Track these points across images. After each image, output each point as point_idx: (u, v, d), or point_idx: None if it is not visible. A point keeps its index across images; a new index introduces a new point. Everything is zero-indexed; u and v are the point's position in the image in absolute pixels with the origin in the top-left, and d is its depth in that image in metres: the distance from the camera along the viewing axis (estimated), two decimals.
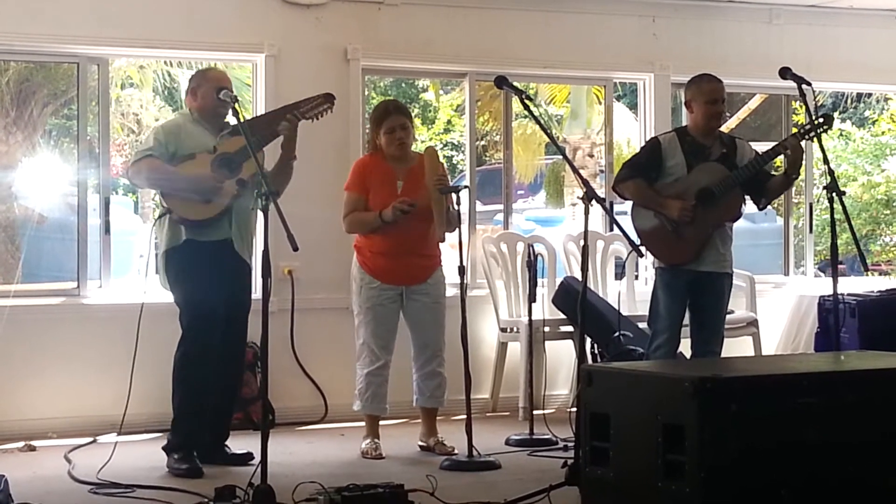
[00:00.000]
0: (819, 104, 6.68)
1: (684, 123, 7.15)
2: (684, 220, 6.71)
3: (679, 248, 6.78)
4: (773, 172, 6.93)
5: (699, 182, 6.74)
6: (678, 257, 6.80)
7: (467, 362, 6.51)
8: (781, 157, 6.80)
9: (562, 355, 8.42)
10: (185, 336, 6.36)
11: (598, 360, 8.02)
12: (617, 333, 7.48)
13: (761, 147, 6.89)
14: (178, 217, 6.27)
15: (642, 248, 6.61)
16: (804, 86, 6.45)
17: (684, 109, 7.06)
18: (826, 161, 6.39)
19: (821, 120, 6.53)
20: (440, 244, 6.95)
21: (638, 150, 7.65)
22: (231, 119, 6.37)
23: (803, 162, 6.84)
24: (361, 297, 6.86)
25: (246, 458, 6.33)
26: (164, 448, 6.36)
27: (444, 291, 6.95)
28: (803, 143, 6.69)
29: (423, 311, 6.86)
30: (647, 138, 8.10)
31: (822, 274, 10.86)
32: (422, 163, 6.81)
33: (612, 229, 8.72)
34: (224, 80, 6.56)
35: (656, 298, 6.90)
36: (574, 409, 5.76)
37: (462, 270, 6.53)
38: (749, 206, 7.11)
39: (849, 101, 17.40)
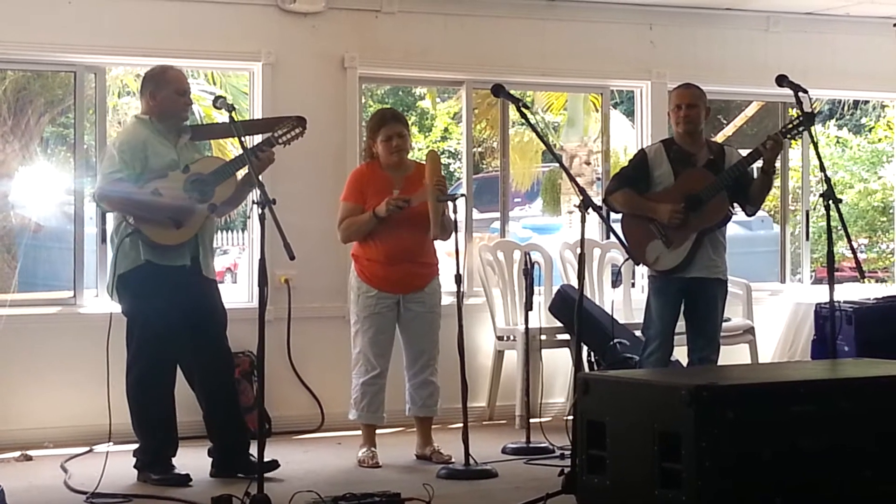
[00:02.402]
0: (815, 111, 6.67)
1: None
2: (674, 223, 6.75)
3: (669, 254, 6.80)
4: (754, 177, 6.95)
5: (686, 188, 6.77)
6: (669, 264, 6.82)
7: (464, 370, 6.51)
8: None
9: (558, 363, 8.42)
10: (137, 356, 6.26)
11: (595, 368, 8.01)
12: (613, 341, 7.48)
13: None
14: (148, 240, 6.15)
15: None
16: (801, 93, 6.46)
17: None
18: (822, 168, 6.40)
19: (801, 119, 6.55)
20: (436, 253, 6.96)
21: (627, 162, 7.66)
22: (215, 117, 6.31)
23: (776, 158, 6.85)
24: (359, 305, 6.85)
25: (272, 466, 6.19)
26: (136, 467, 6.32)
27: (440, 300, 6.94)
28: (799, 143, 6.72)
29: (418, 319, 6.85)
30: (644, 146, 8.12)
31: None
32: (419, 171, 6.81)
33: (608, 237, 8.73)
34: (183, 81, 6.45)
35: (649, 305, 6.96)
36: (571, 418, 5.76)
37: (459, 279, 6.52)
38: (742, 214, 7.13)
39: (845, 108, 17.45)
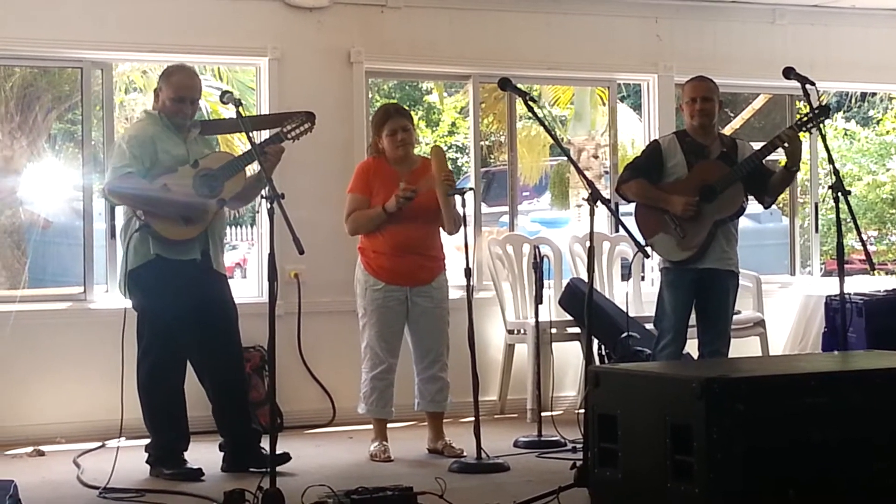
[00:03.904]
0: (823, 104, 6.66)
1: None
2: (688, 215, 6.75)
3: (683, 245, 6.80)
4: (774, 170, 6.94)
5: (700, 179, 6.77)
6: (682, 255, 6.82)
7: (475, 364, 6.51)
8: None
9: (569, 357, 8.42)
10: (147, 351, 6.29)
11: (606, 361, 8.02)
12: (624, 334, 7.48)
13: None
14: (157, 235, 6.16)
15: (648, 249, 6.64)
16: (808, 86, 6.46)
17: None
18: (831, 161, 6.38)
19: (817, 111, 6.55)
20: (443, 248, 6.96)
21: (640, 152, 7.67)
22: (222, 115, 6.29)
23: (802, 154, 6.86)
24: (366, 299, 6.85)
25: (283, 459, 6.17)
26: (148, 462, 6.34)
27: (447, 295, 6.94)
28: (807, 136, 6.71)
29: (425, 315, 6.85)
30: (651, 139, 8.12)
31: None
32: (425, 165, 6.81)
33: (617, 230, 8.73)
34: (182, 89, 6.35)
35: (661, 298, 6.94)
36: (582, 411, 5.76)
37: (468, 272, 6.52)
38: (754, 206, 7.13)
39: (853, 100, 17.41)
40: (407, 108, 7.43)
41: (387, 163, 6.86)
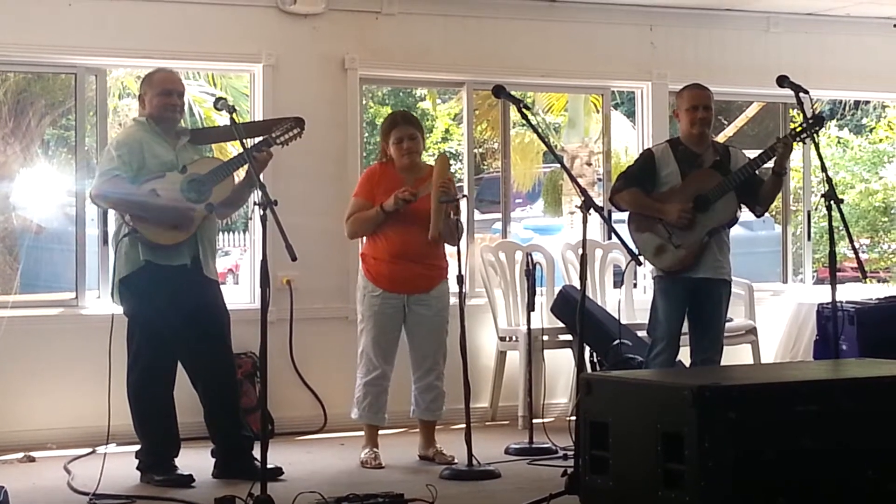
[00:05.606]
0: (815, 112, 6.69)
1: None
2: (683, 223, 6.75)
3: (676, 254, 6.81)
4: (764, 179, 6.96)
5: (694, 188, 6.78)
6: (676, 264, 6.82)
7: (466, 371, 6.51)
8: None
9: (561, 364, 8.42)
10: (137, 357, 6.29)
11: (597, 368, 8.02)
12: (616, 342, 7.48)
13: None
14: (145, 239, 6.15)
15: (641, 257, 6.64)
16: (801, 94, 6.48)
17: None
18: (824, 169, 6.40)
19: (811, 121, 6.56)
20: (446, 256, 6.95)
21: (633, 161, 7.67)
22: (218, 121, 6.29)
23: (789, 159, 6.87)
24: (364, 304, 6.84)
25: (275, 474, 6.13)
26: (138, 468, 6.33)
27: (447, 304, 6.91)
28: (801, 144, 6.73)
29: (423, 323, 6.84)
30: (645, 146, 8.13)
31: None
32: (431, 173, 6.80)
33: (610, 238, 8.73)
34: (167, 81, 6.40)
35: (655, 306, 6.95)
36: (573, 418, 5.76)
37: (461, 279, 6.52)
38: (746, 214, 7.13)
39: (846, 108, 17.45)
40: None
41: (394, 170, 6.85)
